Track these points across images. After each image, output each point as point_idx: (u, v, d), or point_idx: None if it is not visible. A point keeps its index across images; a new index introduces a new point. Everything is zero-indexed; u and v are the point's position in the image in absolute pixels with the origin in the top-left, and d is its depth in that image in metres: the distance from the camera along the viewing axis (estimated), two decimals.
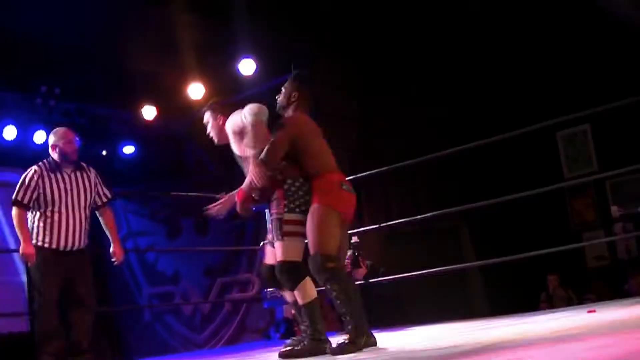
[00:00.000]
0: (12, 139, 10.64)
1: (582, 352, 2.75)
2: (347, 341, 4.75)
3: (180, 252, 11.70)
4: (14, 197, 5.77)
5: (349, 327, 4.84)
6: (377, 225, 8.32)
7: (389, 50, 10.58)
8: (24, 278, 11.06)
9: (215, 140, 5.68)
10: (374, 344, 4.91)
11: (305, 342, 5.03)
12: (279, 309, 8.58)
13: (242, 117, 5.29)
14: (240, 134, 5.36)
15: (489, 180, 9.90)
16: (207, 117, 5.70)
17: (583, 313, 5.48)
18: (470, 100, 10.51)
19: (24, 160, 5.96)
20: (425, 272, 7.52)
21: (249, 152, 5.19)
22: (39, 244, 5.73)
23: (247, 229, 10.54)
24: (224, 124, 5.58)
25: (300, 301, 5.07)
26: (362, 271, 9.12)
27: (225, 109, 5.66)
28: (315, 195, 5.04)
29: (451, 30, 10.25)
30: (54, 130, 6.06)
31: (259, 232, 9.61)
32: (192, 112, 11.56)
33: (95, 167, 6.10)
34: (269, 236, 5.29)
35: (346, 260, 9.19)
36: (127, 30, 9.52)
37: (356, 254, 9.24)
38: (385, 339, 6.39)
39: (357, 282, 8.86)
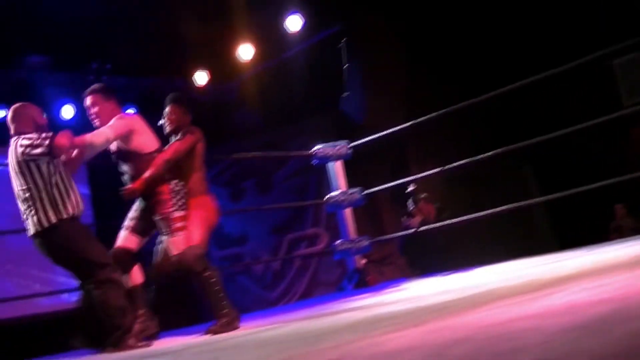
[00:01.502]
0: (70, 117, 10.84)
1: None
2: (220, 324, 5.41)
3: (245, 212, 11.71)
4: None
5: (222, 311, 5.47)
6: (438, 169, 8.29)
7: None
8: None
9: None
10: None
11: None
12: (350, 260, 8.60)
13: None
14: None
15: (548, 116, 9.78)
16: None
17: None
18: (523, 36, 10.35)
19: None
20: (491, 212, 7.49)
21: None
22: None
23: (310, 184, 10.58)
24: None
25: (205, 287, 5.61)
26: (417, 219, 9.14)
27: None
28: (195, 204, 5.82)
29: None
30: None
31: (322, 187, 9.65)
32: (243, 73, 11.62)
33: None
34: (130, 222, 5.85)
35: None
36: None
37: (412, 201, 9.27)
38: (456, 280, 6.41)
39: (412, 230, 8.92)
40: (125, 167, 5.89)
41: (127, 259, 5.80)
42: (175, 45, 10.33)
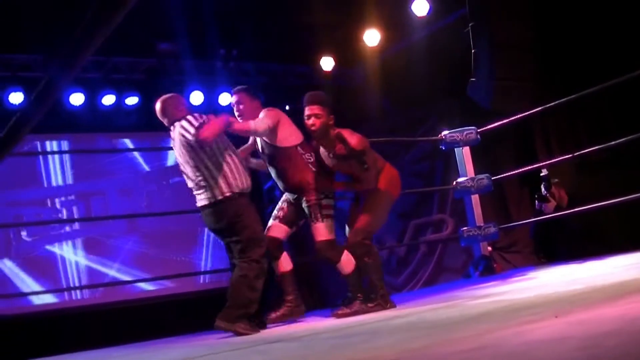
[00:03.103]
0: (200, 103, 11.12)
1: None
2: (377, 303, 5.83)
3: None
4: None
5: (379, 293, 5.88)
6: (569, 155, 8.11)
7: None
8: None
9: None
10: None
11: (357, 304, 5.88)
12: (476, 246, 8.51)
13: None
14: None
15: None
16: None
17: None
18: None
19: None
20: (627, 198, 7.25)
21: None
22: None
23: (436, 170, 10.50)
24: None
25: (345, 271, 5.99)
26: (552, 205, 8.98)
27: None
28: (382, 181, 6.13)
29: None
30: None
31: (448, 172, 9.59)
32: (369, 59, 11.63)
33: None
34: (279, 213, 6.24)
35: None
36: None
37: (545, 187, 9.11)
38: (585, 269, 6.29)
39: (546, 216, 8.76)
40: (270, 161, 6.13)
41: (275, 247, 6.12)
42: (302, 31, 10.42)
